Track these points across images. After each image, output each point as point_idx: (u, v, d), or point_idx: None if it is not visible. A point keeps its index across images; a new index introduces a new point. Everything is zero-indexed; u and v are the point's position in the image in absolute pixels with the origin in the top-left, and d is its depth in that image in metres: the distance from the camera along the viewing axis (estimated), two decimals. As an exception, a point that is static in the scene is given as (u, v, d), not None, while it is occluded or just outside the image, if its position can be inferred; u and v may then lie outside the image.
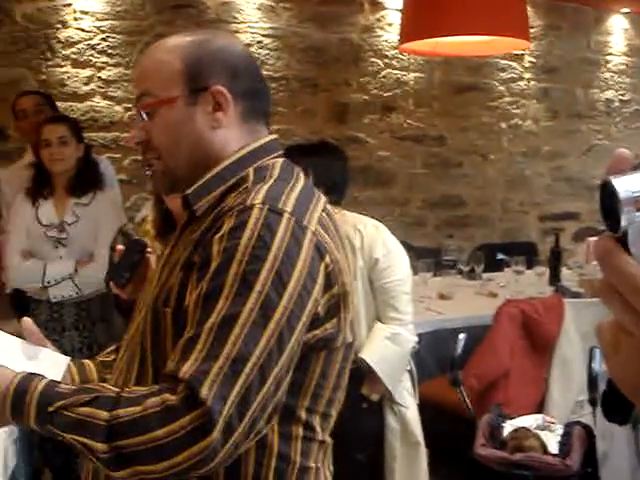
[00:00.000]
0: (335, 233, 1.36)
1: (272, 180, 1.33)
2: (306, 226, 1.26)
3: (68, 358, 1.54)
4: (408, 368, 2.91)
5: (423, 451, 2.95)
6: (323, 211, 1.35)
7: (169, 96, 1.35)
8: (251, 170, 1.36)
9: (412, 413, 2.89)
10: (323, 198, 1.40)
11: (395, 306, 2.76)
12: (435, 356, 3.76)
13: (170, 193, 1.45)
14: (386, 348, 2.73)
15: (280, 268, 1.20)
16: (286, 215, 1.25)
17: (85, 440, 1.18)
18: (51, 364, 1.43)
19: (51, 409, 1.21)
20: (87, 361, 1.61)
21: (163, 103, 1.36)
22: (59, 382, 1.30)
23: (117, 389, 1.23)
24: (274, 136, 1.45)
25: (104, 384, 1.29)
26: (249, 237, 1.21)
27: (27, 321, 1.50)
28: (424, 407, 3.03)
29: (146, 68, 1.40)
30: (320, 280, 1.26)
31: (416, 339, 2.86)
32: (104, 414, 1.17)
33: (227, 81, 1.36)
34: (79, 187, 3.48)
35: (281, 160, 1.41)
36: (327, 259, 1.28)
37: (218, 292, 1.20)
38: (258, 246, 1.20)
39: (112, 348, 1.65)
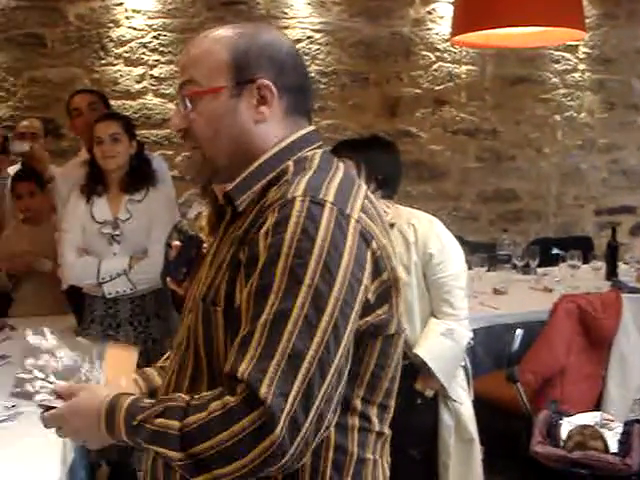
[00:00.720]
0: (379, 220, 1.34)
1: (311, 171, 1.31)
2: (349, 214, 1.25)
3: (137, 349, 1.57)
4: (463, 364, 2.87)
5: (477, 448, 2.91)
6: (365, 199, 1.33)
7: (214, 86, 1.34)
8: (291, 163, 1.35)
9: (466, 409, 2.85)
10: (364, 186, 1.38)
11: (450, 301, 2.72)
12: (489, 352, 3.72)
13: (208, 183, 1.44)
14: (441, 344, 2.70)
15: (327, 259, 1.19)
16: (328, 205, 1.23)
17: (163, 450, 1.20)
18: (120, 359, 1.46)
19: (134, 423, 1.24)
20: (148, 368, 1.62)
21: (207, 92, 1.34)
22: (144, 397, 1.34)
23: (187, 397, 1.24)
24: (312, 127, 1.43)
25: (178, 394, 1.29)
26: (293, 231, 1.20)
27: None
28: (478, 403, 2.99)
29: (193, 56, 1.38)
30: (368, 267, 1.25)
31: (471, 335, 2.82)
32: (176, 424, 1.19)
33: (273, 75, 1.35)
34: (132, 184, 3.51)
35: (320, 151, 1.39)
36: (374, 245, 1.27)
37: (268, 288, 1.19)
38: (303, 239, 1.19)
39: (169, 353, 1.66)
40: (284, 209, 1.23)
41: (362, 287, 1.23)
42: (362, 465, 1.34)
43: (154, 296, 3.51)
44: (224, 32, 1.38)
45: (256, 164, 1.35)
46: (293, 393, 1.13)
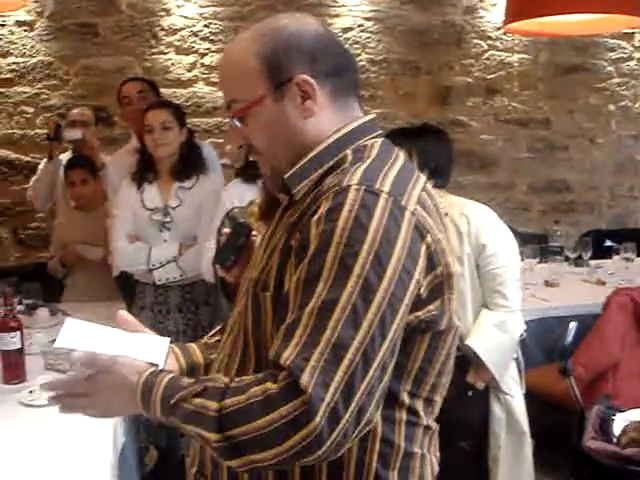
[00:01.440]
0: (436, 213, 1.31)
1: (369, 160, 1.29)
2: (404, 206, 1.23)
3: (168, 339, 1.56)
4: (515, 356, 2.83)
5: (528, 441, 2.88)
6: (423, 190, 1.31)
7: (255, 97, 1.32)
8: (349, 151, 1.33)
9: (518, 402, 2.82)
10: (423, 177, 1.36)
11: (503, 293, 2.68)
12: (540, 344, 3.66)
13: (282, 191, 1.42)
14: (493, 335, 2.67)
15: (379, 250, 1.17)
16: (383, 195, 1.21)
17: (200, 431, 1.19)
18: (152, 348, 1.44)
19: (172, 401, 1.23)
20: (191, 344, 1.62)
21: (252, 106, 1.33)
22: (182, 376, 1.32)
23: (227, 379, 1.23)
24: (372, 116, 1.41)
25: (218, 375, 1.29)
26: (346, 219, 1.18)
27: (121, 314, 1.51)
28: (527, 396, 2.95)
29: (226, 75, 1.39)
30: (421, 261, 1.23)
31: (524, 327, 2.78)
32: (214, 405, 1.18)
33: (308, 67, 1.32)
34: (182, 171, 3.53)
35: (380, 140, 1.37)
36: (428, 239, 1.24)
37: (317, 276, 1.17)
38: (355, 228, 1.17)
39: (217, 329, 1.66)
40: (338, 197, 1.21)
41: (413, 281, 1.21)
42: (409, 459, 1.33)
43: (204, 283, 3.53)
44: (245, 40, 1.36)
45: (313, 153, 1.33)
46: (335, 384, 1.12)
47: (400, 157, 1.35)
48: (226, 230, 1.92)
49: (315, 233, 1.20)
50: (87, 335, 1.41)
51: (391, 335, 1.17)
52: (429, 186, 1.36)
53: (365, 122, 1.38)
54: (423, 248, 1.23)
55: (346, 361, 1.13)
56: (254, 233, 1.88)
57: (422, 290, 1.23)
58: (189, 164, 3.54)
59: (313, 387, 1.10)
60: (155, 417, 1.27)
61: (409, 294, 1.20)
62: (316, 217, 1.22)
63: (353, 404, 1.13)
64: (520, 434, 2.83)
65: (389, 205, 1.20)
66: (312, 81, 1.32)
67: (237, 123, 1.36)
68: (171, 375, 1.29)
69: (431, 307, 1.26)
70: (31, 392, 2.51)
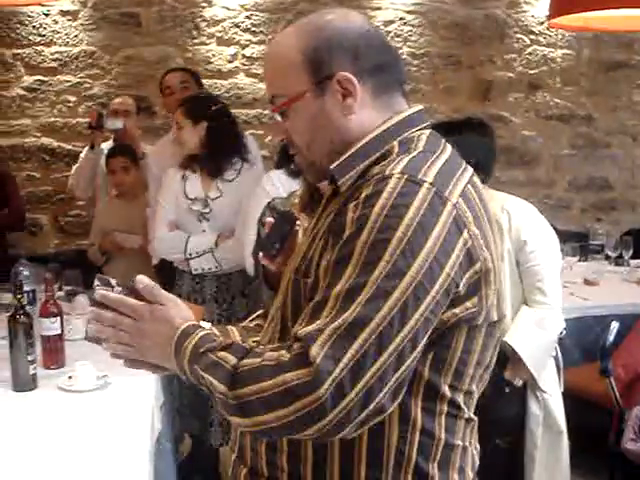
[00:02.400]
0: (480, 207, 1.30)
1: (416, 151, 1.29)
2: (447, 198, 1.21)
3: (209, 324, 1.57)
4: (553, 354, 2.80)
5: (565, 441, 2.85)
6: (469, 183, 1.30)
7: (296, 93, 1.33)
8: (395, 143, 1.32)
9: (556, 401, 2.79)
10: (470, 170, 1.35)
11: (543, 290, 2.65)
12: (578, 343, 3.62)
13: (319, 182, 1.44)
14: (532, 333, 2.64)
15: (412, 238, 1.16)
16: (426, 185, 1.20)
17: (213, 379, 1.21)
18: None
19: (202, 350, 1.25)
20: (230, 326, 1.63)
21: (292, 101, 1.34)
22: (217, 335, 1.33)
23: (253, 344, 1.27)
24: (419, 107, 1.40)
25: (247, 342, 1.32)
26: (383, 205, 1.18)
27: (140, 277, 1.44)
28: (566, 395, 2.92)
29: (269, 70, 1.40)
30: (456, 256, 1.21)
31: (564, 325, 2.75)
32: (233, 360, 1.21)
33: (350, 64, 1.32)
34: (213, 166, 3.52)
35: (427, 132, 1.36)
36: (466, 234, 1.22)
37: (347, 259, 1.18)
38: (391, 215, 1.17)
39: (256, 314, 1.67)
40: (379, 184, 1.21)
41: (444, 274, 1.19)
42: (450, 451, 1.32)
43: (240, 275, 3.54)
44: (288, 34, 1.36)
45: (360, 144, 1.33)
46: (345, 360, 1.12)
47: (447, 149, 1.35)
48: (269, 219, 1.92)
49: (351, 218, 1.21)
50: None
51: (412, 323, 1.16)
52: (476, 179, 1.35)
53: (412, 114, 1.37)
54: (460, 242, 1.21)
55: (360, 340, 1.13)
56: (298, 223, 1.88)
57: (461, 287, 1.22)
58: (220, 157, 3.54)
59: (322, 359, 1.12)
60: (180, 367, 1.29)
61: (437, 286, 1.18)
62: (354, 202, 1.22)
63: (360, 384, 1.13)
64: (557, 433, 2.80)
65: (430, 195, 1.19)
66: (353, 79, 1.31)
67: (278, 117, 1.37)
68: (208, 330, 1.32)
69: (469, 304, 1.24)
70: (70, 377, 2.54)
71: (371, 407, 1.15)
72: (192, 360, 1.26)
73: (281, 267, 1.83)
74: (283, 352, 1.17)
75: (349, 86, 1.31)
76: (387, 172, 1.22)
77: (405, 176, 1.21)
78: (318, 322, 1.16)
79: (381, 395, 1.15)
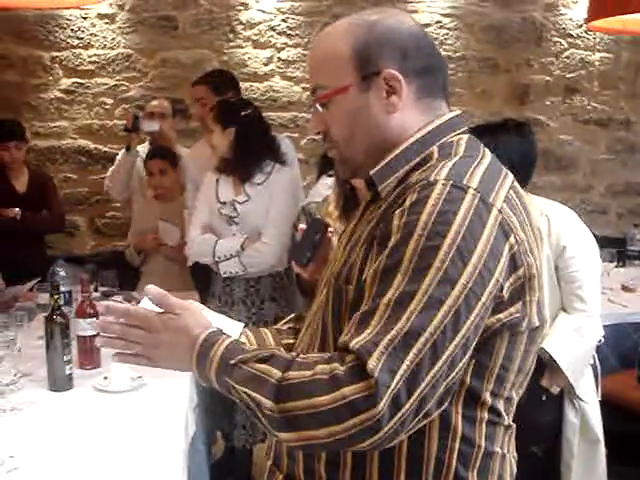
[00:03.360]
0: (523, 212, 1.29)
1: (457, 157, 1.28)
2: (492, 204, 1.21)
3: (242, 324, 1.57)
4: (591, 362, 2.76)
5: (602, 450, 2.81)
6: (510, 189, 1.29)
7: (341, 85, 1.33)
8: (435, 148, 1.32)
9: (593, 409, 2.74)
10: (511, 176, 1.34)
11: (582, 296, 2.61)
12: (615, 350, 3.57)
13: (352, 178, 1.43)
14: (570, 340, 2.60)
15: (461, 245, 1.15)
16: (471, 191, 1.19)
17: (255, 394, 1.18)
18: (225, 329, 1.45)
19: (232, 362, 1.22)
20: (263, 328, 1.63)
21: (336, 93, 1.33)
22: (243, 342, 1.32)
23: (294, 354, 1.23)
24: (458, 112, 1.39)
25: (281, 349, 1.28)
26: (430, 212, 1.17)
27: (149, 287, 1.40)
28: (602, 403, 2.88)
29: (316, 60, 1.39)
30: (504, 261, 1.20)
31: (602, 332, 2.71)
32: (277, 373, 1.17)
33: (398, 63, 1.31)
34: (242, 171, 3.52)
35: (466, 136, 1.36)
36: (512, 239, 1.21)
37: (396, 267, 1.16)
38: (439, 222, 1.16)
39: (290, 317, 1.66)
40: (424, 190, 1.20)
41: (493, 280, 1.18)
42: (489, 459, 1.31)
43: (270, 279, 3.54)
44: (341, 27, 1.36)
45: (400, 149, 1.33)
46: (400, 372, 1.10)
47: (487, 154, 1.34)
48: (302, 226, 1.92)
49: (397, 225, 1.20)
50: None
51: (464, 331, 1.15)
52: (517, 184, 1.33)
53: (451, 118, 1.36)
54: (506, 248, 1.21)
55: (414, 350, 1.11)
56: (330, 229, 1.87)
57: (504, 292, 1.21)
58: (249, 162, 3.53)
59: (379, 372, 1.10)
60: (204, 376, 1.26)
61: (487, 293, 1.18)
62: (400, 209, 1.21)
63: (416, 394, 1.12)
64: (595, 441, 2.76)
65: (476, 201, 1.19)
66: (400, 77, 1.31)
67: (320, 108, 1.37)
68: (233, 338, 1.29)
69: (512, 309, 1.23)
70: (105, 378, 2.55)
71: (422, 414, 1.15)
72: (221, 371, 1.23)
73: (314, 275, 1.83)
74: (336, 365, 1.14)
75: (395, 84, 1.31)
76: (432, 178, 1.22)
77: (450, 182, 1.20)
78: (368, 332, 1.14)
79: (432, 402, 1.15)
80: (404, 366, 1.11)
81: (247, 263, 3.46)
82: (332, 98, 1.34)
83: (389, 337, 1.12)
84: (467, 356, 1.18)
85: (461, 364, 1.17)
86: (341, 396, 1.11)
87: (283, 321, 1.68)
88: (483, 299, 1.17)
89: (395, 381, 1.10)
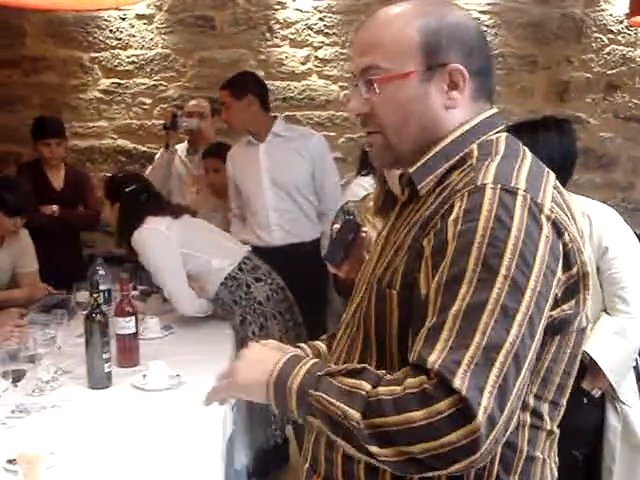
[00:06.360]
0: (568, 211, 1.27)
1: (499, 157, 1.26)
2: (542, 204, 1.19)
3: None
4: (634, 365, 2.71)
5: (645, 455, 2.75)
6: (554, 188, 1.26)
7: (403, 71, 1.29)
8: (475, 146, 1.29)
9: (636, 413, 2.68)
10: (552, 174, 1.31)
11: (624, 298, 2.56)
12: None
13: (391, 168, 1.41)
14: (613, 342, 2.55)
15: (523, 249, 1.13)
16: (521, 193, 1.17)
17: (344, 406, 1.15)
18: None
19: (320, 374, 1.20)
20: (316, 342, 1.61)
21: (396, 78, 1.29)
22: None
23: (382, 371, 1.20)
24: (495, 110, 1.37)
25: (367, 366, 1.25)
26: (486, 219, 1.14)
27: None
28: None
29: (377, 38, 1.31)
30: (562, 259, 1.19)
31: (646, 335, 2.65)
32: (367, 387, 1.15)
33: (463, 58, 1.29)
34: None
35: (504, 135, 1.33)
36: (566, 237, 1.20)
37: (460, 278, 1.13)
38: (497, 227, 1.13)
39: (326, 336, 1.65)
40: (474, 196, 1.18)
41: (555, 279, 1.17)
42: (531, 463, 1.28)
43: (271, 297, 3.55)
44: (410, 11, 1.32)
45: (439, 147, 1.31)
46: (489, 388, 1.08)
47: (527, 153, 1.32)
48: (336, 226, 1.91)
49: (453, 233, 1.17)
50: None
51: (538, 335, 1.15)
52: (558, 183, 1.31)
53: (489, 116, 1.34)
54: (561, 246, 1.19)
55: (498, 364, 1.09)
56: (364, 229, 1.86)
57: (558, 289, 1.19)
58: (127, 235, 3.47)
59: (466, 391, 1.07)
60: (283, 404, 1.24)
61: (552, 293, 1.17)
62: (452, 217, 1.18)
63: (507, 408, 1.10)
64: (636, 447, 2.69)
65: (527, 203, 1.17)
66: (465, 74, 1.29)
67: (373, 88, 1.31)
68: (315, 360, 1.28)
69: (565, 307, 1.22)
70: (144, 376, 2.57)
71: (512, 427, 1.13)
72: (305, 384, 1.21)
73: (349, 274, 1.82)
74: (423, 377, 1.11)
75: (459, 79, 1.29)
76: (479, 182, 1.19)
77: (499, 186, 1.18)
78: (441, 347, 1.11)
79: (518, 412, 1.14)
80: (491, 381, 1.08)
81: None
82: (389, 82, 1.30)
83: (470, 354, 1.09)
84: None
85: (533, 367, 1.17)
86: (435, 411, 1.08)
87: (325, 336, 1.65)
88: (550, 300, 1.16)
89: (485, 398, 1.07)
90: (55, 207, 4.52)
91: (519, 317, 1.11)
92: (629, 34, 5.72)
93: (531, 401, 1.26)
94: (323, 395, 1.18)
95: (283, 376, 1.24)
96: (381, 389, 1.14)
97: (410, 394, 1.11)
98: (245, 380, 1.30)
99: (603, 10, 5.70)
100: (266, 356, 1.30)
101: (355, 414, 1.14)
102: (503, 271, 1.12)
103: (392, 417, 1.11)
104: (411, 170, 1.32)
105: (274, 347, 1.39)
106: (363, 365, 1.21)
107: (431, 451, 1.09)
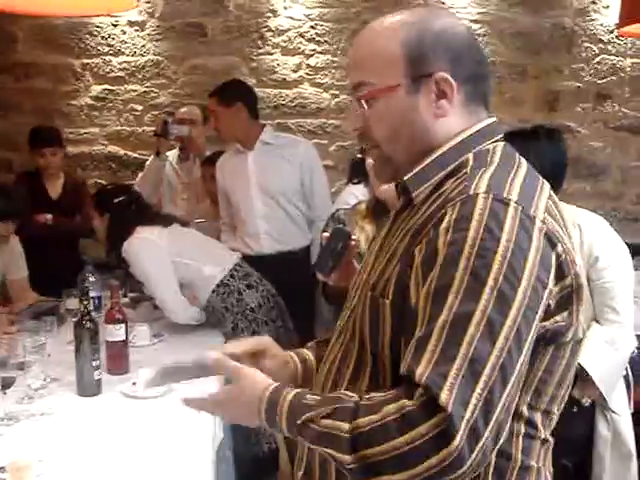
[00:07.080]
0: (562, 222, 1.26)
1: (493, 166, 1.25)
2: (534, 215, 1.18)
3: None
4: (624, 374, 2.71)
5: (635, 464, 2.74)
6: (549, 198, 1.26)
7: (389, 84, 1.29)
8: (470, 155, 1.29)
9: (625, 422, 2.69)
10: (547, 184, 1.31)
11: (615, 308, 2.56)
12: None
13: (391, 181, 1.40)
14: (603, 352, 2.55)
15: (512, 260, 1.12)
16: (512, 204, 1.16)
17: (332, 452, 1.16)
18: None
19: (299, 422, 1.20)
20: (305, 350, 1.61)
21: (383, 92, 1.29)
22: (307, 392, 1.28)
23: (356, 397, 1.19)
24: (493, 119, 1.36)
25: (346, 392, 1.24)
26: (476, 229, 1.13)
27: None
28: (635, 416, 2.82)
29: (363, 55, 1.33)
30: (553, 271, 1.18)
31: (636, 344, 2.66)
32: (345, 426, 1.14)
33: (450, 66, 1.28)
34: None
35: (501, 144, 1.33)
36: (559, 248, 1.19)
37: (447, 288, 1.13)
38: (487, 238, 1.13)
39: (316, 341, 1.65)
40: (465, 206, 1.17)
41: (546, 291, 1.16)
42: (525, 472, 1.28)
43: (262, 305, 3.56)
44: (392, 23, 1.32)
45: (435, 155, 1.30)
46: (474, 401, 1.07)
47: (523, 163, 1.31)
48: (325, 234, 1.92)
49: (443, 243, 1.16)
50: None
51: (525, 348, 1.14)
52: (552, 193, 1.31)
53: (486, 125, 1.34)
54: (554, 258, 1.18)
55: (484, 377, 1.08)
56: (353, 237, 1.86)
57: (551, 300, 1.19)
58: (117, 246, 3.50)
59: (452, 405, 1.06)
60: (282, 433, 1.26)
61: (542, 305, 1.16)
62: (443, 226, 1.18)
63: (492, 421, 1.09)
64: (627, 456, 2.70)
65: (519, 214, 1.16)
66: (453, 82, 1.28)
67: (363, 105, 1.32)
68: (295, 392, 1.26)
69: (558, 318, 1.21)
70: (134, 383, 2.56)
71: (502, 438, 1.12)
72: (293, 432, 1.22)
73: (339, 283, 1.83)
74: (404, 401, 1.10)
75: (447, 88, 1.28)
76: (471, 191, 1.19)
77: (491, 195, 1.17)
78: (427, 358, 1.10)
79: (508, 424, 1.13)
80: (476, 394, 1.08)
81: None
82: (377, 97, 1.30)
83: (456, 367, 1.08)
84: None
85: (523, 378, 1.17)
86: (418, 435, 1.07)
87: (317, 340, 1.65)
88: (540, 312, 1.16)
89: (470, 411, 1.07)
90: (49, 216, 4.52)
91: (506, 329, 1.10)
92: (619, 44, 5.76)
93: (525, 411, 1.25)
94: (310, 445, 1.22)
95: (270, 421, 1.27)
96: (360, 421, 1.13)
97: (391, 421, 1.10)
98: (233, 420, 1.40)
99: (593, 20, 5.73)
100: (249, 398, 1.30)
101: (345, 458, 1.14)
102: (491, 282, 1.11)
103: (377, 448, 1.10)
104: (406, 177, 1.31)
105: (248, 376, 1.34)
106: (333, 406, 1.18)
107: (416, 476, 1.08)
